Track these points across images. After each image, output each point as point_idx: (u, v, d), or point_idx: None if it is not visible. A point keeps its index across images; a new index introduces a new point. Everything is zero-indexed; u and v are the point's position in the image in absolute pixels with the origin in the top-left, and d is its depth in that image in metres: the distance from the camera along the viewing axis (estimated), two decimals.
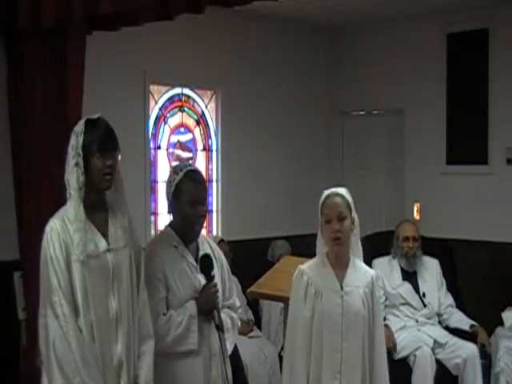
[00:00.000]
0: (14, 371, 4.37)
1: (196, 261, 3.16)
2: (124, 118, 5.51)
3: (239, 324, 3.36)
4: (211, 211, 6.34)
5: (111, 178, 2.82)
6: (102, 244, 2.81)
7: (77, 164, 2.77)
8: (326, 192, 3.27)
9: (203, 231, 6.22)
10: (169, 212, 3.22)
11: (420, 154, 6.58)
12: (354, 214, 3.24)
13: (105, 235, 2.83)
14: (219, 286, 3.18)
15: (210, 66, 6.12)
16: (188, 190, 3.10)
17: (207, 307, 3.07)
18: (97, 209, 2.85)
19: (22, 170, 4.36)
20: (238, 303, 3.38)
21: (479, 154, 6.21)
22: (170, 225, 3.23)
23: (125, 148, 5.57)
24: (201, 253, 3.20)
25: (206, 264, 3.13)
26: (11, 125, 4.46)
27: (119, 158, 2.87)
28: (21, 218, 4.40)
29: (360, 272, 3.27)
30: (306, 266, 3.31)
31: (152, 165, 5.88)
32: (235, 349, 4.97)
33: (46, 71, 4.26)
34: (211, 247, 3.31)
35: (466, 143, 6.32)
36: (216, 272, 3.19)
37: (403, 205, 6.67)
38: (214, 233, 6.25)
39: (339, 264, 3.24)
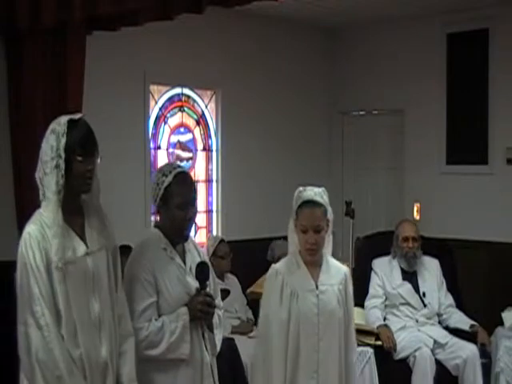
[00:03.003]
0: (14, 372, 4.37)
1: (183, 262, 3.10)
2: (124, 118, 5.52)
3: (227, 326, 3.28)
4: (211, 211, 6.35)
5: (91, 181, 2.72)
6: (81, 248, 2.72)
7: (57, 166, 2.65)
8: (304, 195, 3.22)
9: (203, 232, 6.26)
10: (155, 213, 3.14)
11: (420, 154, 6.58)
12: (329, 215, 3.22)
13: (83, 239, 2.74)
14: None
15: (209, 66, 6.12)
16: (178, 193, 3.03)
17: (198, 315, 3.01)
18: (74, 212, 2.74)
19: (22, 170, 4.36)
20: (221, 304, 3.29)
21: (479, 154, 6.21)
22: (157, 225, 3.15)
23: (125, 148, 5.61)
24: (188, 254, 3.13)
25: (203, 272, 3.05)
26: (11, 124, 4.46)
27: (98, 161, 2.75)
28: (21, 218, 4.40)
29: (333, 269, 3.28)
30: (280, 265, 3.31)
31: (152, 165, 5.87)
32: (235, 349, 4.98)
33: (46, 71, 4.26)
34: (196, 248, 3.24)
35: (466, 143, 6.32)
36: (210, 280, 3.12)
37: (403, 205, 6.68)
38: (214, 233, 6.25)
39: (313, 263, 3.25)
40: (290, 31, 6.75)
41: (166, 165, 3.24)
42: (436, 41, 6.43)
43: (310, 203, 3.19)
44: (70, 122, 2.70)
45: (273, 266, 3.33)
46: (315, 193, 3.22)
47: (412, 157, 6.65)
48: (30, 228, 2.69)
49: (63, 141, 2.66)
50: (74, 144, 2.66)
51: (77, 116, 2.75)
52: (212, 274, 3.27)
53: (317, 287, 3.20)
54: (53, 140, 2.68)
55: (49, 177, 2.66)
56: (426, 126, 6.53)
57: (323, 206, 3.19)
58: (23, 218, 4.36)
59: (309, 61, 7.00)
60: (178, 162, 5.98)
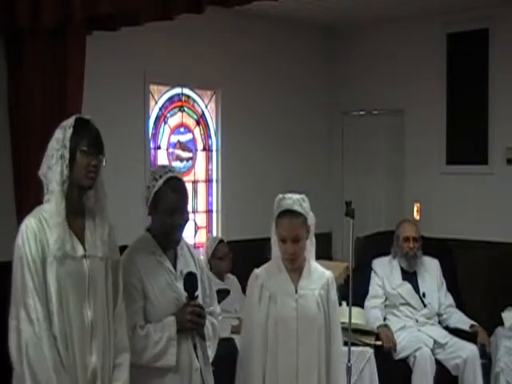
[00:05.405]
0: (7, 373, 4.36)
1: (174, 267, 3.05)
2: (124, 118, 5.52)
3: (220, 334, 3.21)
4: (211, 211, 6.34)
5: (94, 176, 2.72)
6: (79, 250, 2.71)
7: (62, 157, 2.67)
8: (282, 204, 3.17)
9: (203, 232, 6.26)
10: (148, 214, 3.10)
11: (420, 154, 6.58)
12: (310, 221, 3.18)
13: (81, 241, 2.73)
14: (200, 295, 3.06)
15: (210, 65, 6.12)
16: (167, 198, 2.98)
17: (188, 326, 2.97)
18: (75, 213, 2.74)
19: (22, 170, 4.35)
20: (218, 310, 3.26)
21: (479, 154, 6.21)
22: (149, 229, 3.10)
23: (125, 148, 5.60)
24: (180, 259, 3.09)
25: (191, 283, 3.00)
26: (11, 124, 4.46)
27: (104, 163, 2.76)
28: (21, 219, 4.39)
29: (315, 274, 3.25)
30: (261, 269, 3.28)
31: (152, 165, 5.87)
32: (234, 348, 4.98)
33: (46, 71, 4.26)
34: (190, 252, 3.19)
35: (466, 143, 6.33)
36: (199, 290, 3.06)
37: (403, 205, 6.68)
38: (214, 233, 6.25)
39: (294, 268, 3.22)
40: (290, 31, 6.75)
41: (159, 168, 3.17)
42: (436, 41, 6.44)
43: (289, 213, 3.15)
44: (79, 119, 2.76)
45: (254, 270, 3.29)
46: (294, 201, 3.17)
47: (412, 157, 6.65)
48: (28, 220, 2.70)
49: (69, 132, 2.71)
50: (80, 136, 2.70)
51: (86, 116, 2.80)
52: (209, 280, 3.24)
53: (296, 291, 3.18)
54: (59, 133, 2.73)
55: (53, 169, 2.69)
56: (426, 126, 6.53)
57: (302, 215, 3.15)
58: (23, 218, 4.36)
59: (309, 61, 7.00)
60: (173, 164, 5.94)
